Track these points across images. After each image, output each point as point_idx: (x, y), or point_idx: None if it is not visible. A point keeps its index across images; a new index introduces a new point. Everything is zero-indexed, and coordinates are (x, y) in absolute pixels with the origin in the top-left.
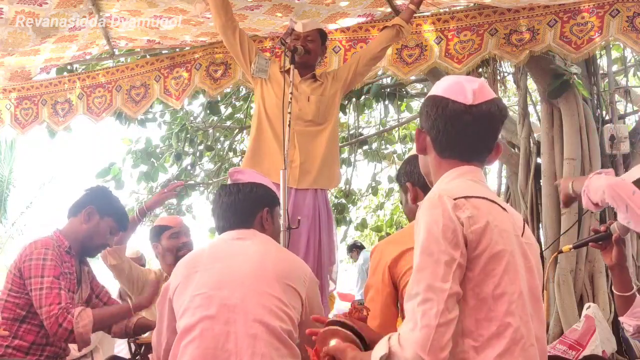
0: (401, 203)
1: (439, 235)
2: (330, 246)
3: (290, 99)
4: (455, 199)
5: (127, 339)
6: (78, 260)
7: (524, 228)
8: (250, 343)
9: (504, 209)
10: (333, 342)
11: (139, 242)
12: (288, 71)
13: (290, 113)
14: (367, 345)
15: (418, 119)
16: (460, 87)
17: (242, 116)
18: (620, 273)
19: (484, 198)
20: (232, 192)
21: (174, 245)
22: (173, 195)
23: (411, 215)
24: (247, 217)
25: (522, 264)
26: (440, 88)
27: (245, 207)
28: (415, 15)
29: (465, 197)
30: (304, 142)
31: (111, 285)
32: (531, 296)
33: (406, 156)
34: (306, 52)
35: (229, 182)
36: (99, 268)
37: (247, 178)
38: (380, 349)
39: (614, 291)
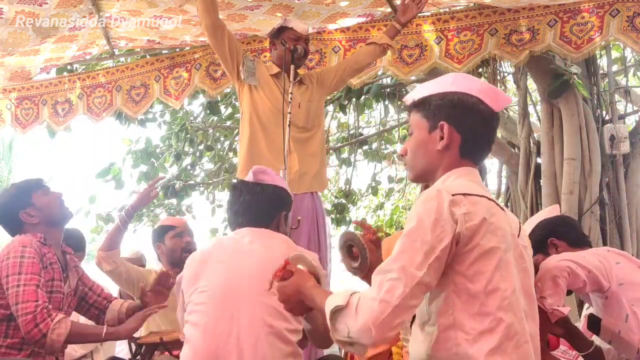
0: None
1: (427, 227)
2: (326, 246)
3: (290, 99)
4: (453, 195)
5: (127, 340)
6: (60, 250)
7: (519, 230)
8: (253, 342)
9: (502, 208)
10: (300, 266)
11: (139, 243)
12: (277, 74)
13: (290, 113)
14: (365, 267)
15: (432, 109)
16: (494, 92)
17: None
18: (574, 337)
19: (483, 196)
20: (256, 191)
21: (178, 245)
22: (154, 192)
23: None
24: (267, 217)
25: (517, 263)
26: (472, 88)
27: (267, 208)
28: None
29: (464, 194)
30: (300, 148)
31: (111, 285)
32: (525, 295)
33: None
34: (305, 54)
35: (250, 179)
36: (99, 271)
37: (269, 179)
38: (339, 299)
39: (579, 353)
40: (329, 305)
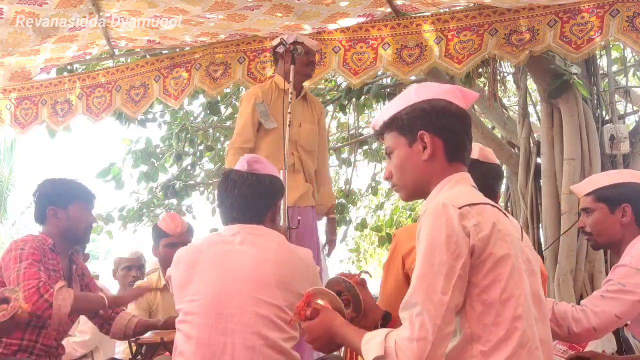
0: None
1: (441, 246)
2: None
3: (290, 99)
4: (460, 208)
5: (127, 340)
6: (68, 259)
7: (522, 233)
8: (249, 355)
9: (504, 214)
10: (321, 302)
11: (138, 243)
12: (286, 91)
13: (290, 113)
14: (360, 308)
15: (405, 123)
16: (458, 91)
17: None
18: None
19: (487, 204)
20: (252, 183)
21: (169, 255)
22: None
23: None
24: (263, 211)
25: (525, 267)
26: (436, 92)
27: (263, 201)
28: (415, 15)
29: (470, 205)
30: (305, 167)
31: (111, 285)
32: (534, 299)
33: None
34: (311, 65)
35: (243, 169)
36: (101, 269)
37: (264, 169)
38: (375, 347)
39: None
40: (367, 354)
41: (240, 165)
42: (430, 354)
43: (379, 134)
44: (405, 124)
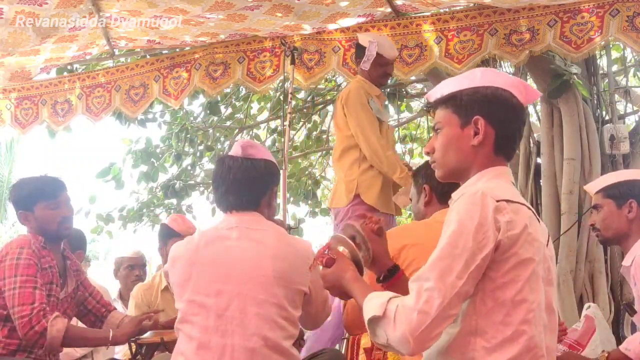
0: (410, 199)
1: (470, 232)
2: None
3: (290, 98)
4: (498, 201)
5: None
6: (61, 255)
7: (548, 240)
8: (248, 357)
9: (537, 219)
10: (341, 248)
11: (139, 243)
12: (379, 95)
13: (290, 113)
14: (368, 257)
15: (464, 104)
16: (523, 86)
17: (242, 116)
18: None
19: (523, 204)
20: (247, 168)
21: None
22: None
23: (418, 216)
24: (258, 196)
25: (544, 275)
26: (502, 82)
27: (258, 186)
28: (415, 15)
29: (507, 201)
30: None
31: (111, 285)
32: (547, 308)
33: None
34: (385, 77)
35: (238, 154)
36: (99, 270)
37: (259, 154)
38: (375, 307)
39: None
40: (366, 312)
41: (235, 150)
42: (427, 329)
43: (431, 107)
44: (463, 105)
